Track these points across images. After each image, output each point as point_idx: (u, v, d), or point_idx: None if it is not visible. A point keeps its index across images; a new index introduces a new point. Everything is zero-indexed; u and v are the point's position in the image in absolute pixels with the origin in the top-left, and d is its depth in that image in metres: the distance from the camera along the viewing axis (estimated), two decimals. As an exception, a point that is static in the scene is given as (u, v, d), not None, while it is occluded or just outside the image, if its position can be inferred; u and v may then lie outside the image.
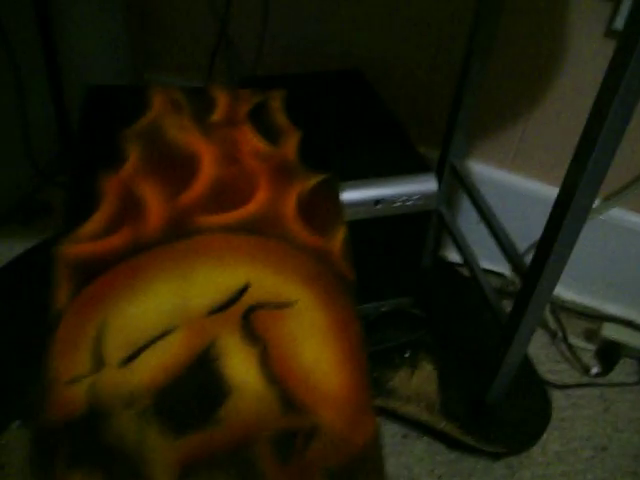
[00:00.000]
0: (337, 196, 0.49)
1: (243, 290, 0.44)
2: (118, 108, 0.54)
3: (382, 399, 0.82)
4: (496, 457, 0.86)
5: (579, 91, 0.89)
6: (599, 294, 1.01)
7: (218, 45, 0.87)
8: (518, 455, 0.85)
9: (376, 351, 0.91)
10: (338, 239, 0.47)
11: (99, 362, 0.41)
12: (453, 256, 1.06)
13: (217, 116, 0.54)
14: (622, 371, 0.96)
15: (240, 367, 0.41)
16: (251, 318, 0.43)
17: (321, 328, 0.43)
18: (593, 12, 0.82)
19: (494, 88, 0.93)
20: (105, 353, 0.41)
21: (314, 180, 0.51)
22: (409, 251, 0.86)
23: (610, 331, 0.96)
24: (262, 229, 0.47)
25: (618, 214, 0.96)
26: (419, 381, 0.87)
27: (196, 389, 0.40)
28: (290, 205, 0.49)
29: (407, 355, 0.89)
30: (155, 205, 0.47)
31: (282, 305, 0.44)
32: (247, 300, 0.44)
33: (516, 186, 0.98)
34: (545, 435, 0.90)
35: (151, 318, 0.42)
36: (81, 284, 0.43)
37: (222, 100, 0.55)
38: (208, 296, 0.43)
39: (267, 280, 0.45)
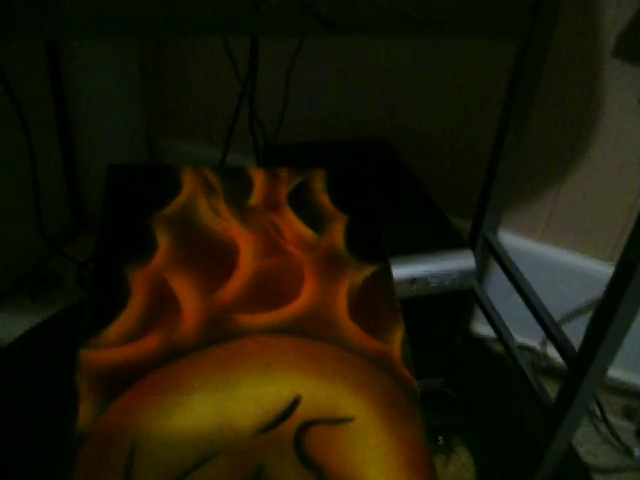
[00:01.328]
0: (392, 290, 0.44)
1: (294, 404, 0.38)
2: (145, 190, 0.49)
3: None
4: None
5: (609, 161, 0.86)
6: (638, 369, 0.93)
7: (238, 110, 0.83)
8: None
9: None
10: (397, 340, 0.41)
11: None
12: (480, 329, 1.01)
13: (255, 199, 0.49)
14: (669, 454, 0.89)
15: None
16: (304, 438, 0.37)
17: (385, 451, 0.37)
18: (626, 80, 0.79)
19: (526, 158, 0.90)
20: None
21: (366, 272, 0.45)
22: (442, 330, 0.81)
23: (650, 407, 0.90)
24: (311, 330, 0.42)
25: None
26: (455, 469, 0.81)
27: None
28: (341, 302, 0.43)
29: (440, 442, 0.82)
30: (190, 302, 0.42)
31: (339, 422, 0.38)
32: (299, 416, 0.38)
33: (547, 256, 0.94)
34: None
35: (189, 442, 0.37)
36: (109, 398, 0.38)
37: (259, 181, 0.51)
38: (254, 413, 0.38)
39: (320, 392, 0.39)
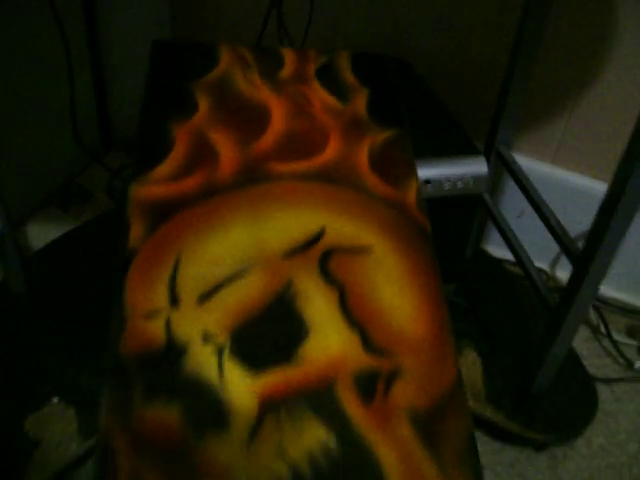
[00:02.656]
0: (409, 150, 0.49)
1: (320, 234, 0.43)
2: (186, 61, 0.54)
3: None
4: (540, 447, 0.85)
5: (621, 88, 0.88)
6: (640, 292, 0.98)
7: (266, 20, 0.87)
8: (562, 447, 0.83)
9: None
10: (412, 190, 0.46)
11: (175, 298, 0.40)
12: (494, 250, 1.05)
13: (285, 73, 0.54)
14: (667, 368, 0.94)
15: (319, 308, 0.40)
16: (328, 261, 0.42)
17: (400, 274, 0.42)
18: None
19: (539, 79, 0.93)
20: (181, 290, 0.40)
21: (385, 134, 0.50)
22: (455, 237, 0.85)
23: (654, 324, 0.94)
24: (336, 178, 0.47)
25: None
26: (464, 369, 0.86)
27: (274, 328, 0.39)
28: (362, 157, 0.48)
29: None
30: (228, 151, 0.47)
31: (359, 250, 0.43)
32: (324, 243, 0.43)
33: (559, 179, 0.97)
34: (589, 428, 0.89)
35: (227, 258, 0.42)
36: (155, 224, 0.43)
37: (289, 59, 0.55)
38: (283, 239, 0.43)
39: (343, 226, 0.44)
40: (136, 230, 0.42)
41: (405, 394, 0.36)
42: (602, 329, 1.00)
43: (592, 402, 0.88)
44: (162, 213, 0.43)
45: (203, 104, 0.50)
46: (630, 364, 0.96)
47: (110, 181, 1.11)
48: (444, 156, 0.76)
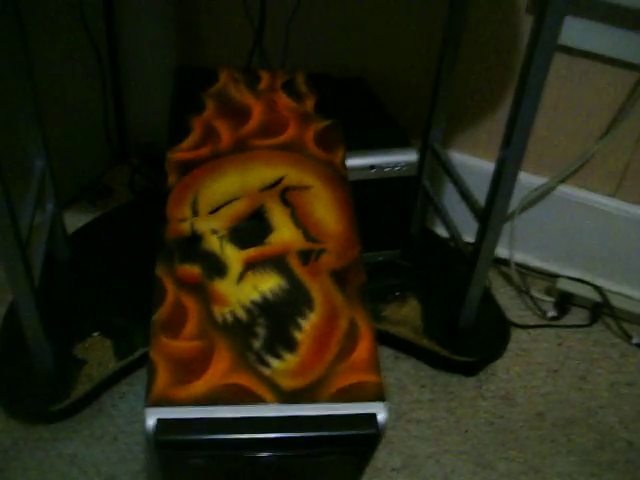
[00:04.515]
0: (339, 132, 0.78)
1: (281, 179, 0.72)
2: (198, 79, 0.83)
3: (377, 324, 1.06)
4: (467, 372, 1.10)
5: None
6: (558, 259, 1.24)
7: (252, 51, 1.16)
8: (486, 373, 1.07)
9: (373, 290, 1.17)
10: (339, 156, 0.75)
11: (195, 212, 0.69)
12: (438, 230, 1.32)
13: (262, 86, 0.84)
14: (575, 317, 1.19)
15: (279, 218, 0.69)
16: (286, 194, 0.71)
17: (328, 201, 0.70)
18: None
19: (465, 87, 1.20)
20: (199, 207, 0.69)
21: (325, 123, 0.79)
22: (399, 212, 1.13)
23: (564, 284, 1.19)
24: (292, 148, 0.76)
25: (569, 191, 1.21)
26: (406, 311, 1.12)
27: (253, 227, 0.68)
28: (309, 136, 0.77)
29: (397, 294, 1.15)
30: (225, 133, 0.76)
31: (304, 188, 0.72)
32: (283, 184, 0.72)
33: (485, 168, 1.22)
34: (509, 360, 1.14)
35: (225, 192, 0.71)
36: (182, 173, 0.72)
37: (265, 77, 0.85)
38: (259, 181, 0.72)
39: (296, 175, 0.73)
40: (171, 177, 0.71)
41: (327, 261, 0.65)
42: (524, 289, 1.26)
43: (506, 337, 1.14)
44: (186, 167, 0.72)
45: (209, 105, 0.80)
46: (544, 314, 1.22)
47: (132, 177, 1.39)
48: (385, 148, 1.04)
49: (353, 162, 0.96)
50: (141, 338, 0.97)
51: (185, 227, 0.66)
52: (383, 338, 1.09)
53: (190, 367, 0.55)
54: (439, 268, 1.17)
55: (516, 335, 1.15)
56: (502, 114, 1.16)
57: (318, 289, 0.62)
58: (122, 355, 0.96)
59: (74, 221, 1.21)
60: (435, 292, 1.11)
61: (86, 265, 1.10)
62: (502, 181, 0.86)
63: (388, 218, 1.10)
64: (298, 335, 0.58)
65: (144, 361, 1.00)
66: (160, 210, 0.67)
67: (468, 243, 0.99)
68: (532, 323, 1.17)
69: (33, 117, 0.93)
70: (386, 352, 1.11)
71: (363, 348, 0.57)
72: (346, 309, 0.60)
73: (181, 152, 0.73)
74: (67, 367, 0.92)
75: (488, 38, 1.10)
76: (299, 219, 0.67)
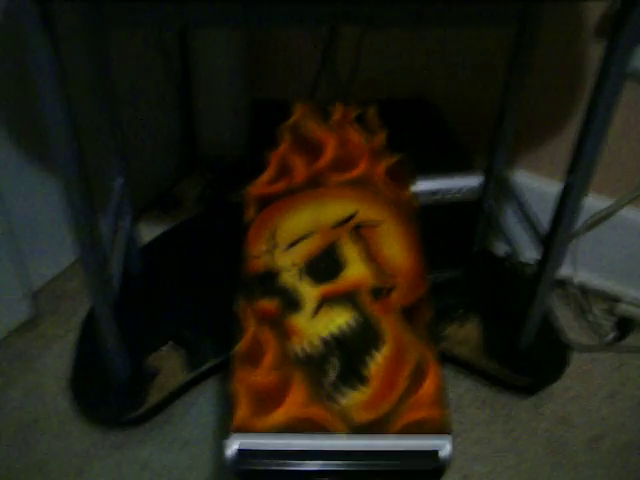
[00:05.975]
0: (409, 167, 0.81)
1: (353, 215, 0.76)
2: (274, 113, 0.87)
3: (439, 342, 1.10)
4: (526, 392, 1.11)
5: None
6: (620, 281, 1.23)
7: (320, 75, 1.20)
8: (544, 393, 1.08)
9: (435, 309, 1.19)
10: (408, 191, 0.78)
11: (273, 247, 0.73)
12: (499, 250, 1.33)
13: (335, 120, 0.87)
14: (635, 340, 1.18)
15: (351, 254, 0.72)
16: (357, 230, 0.75)
17: (397, 237, 0.74)
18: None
19: (533, 107, 1.21)
20: (276, 243, 0.73)
21: (395, 158, 0.82)
22: (462, 233, 1.15)
23: (625, 308, 1.20)
24: (364, 183, 0.79)
25: (634, 213, 1.20)
26: (467, 331, 1.13)
27: (327, 262, 0.72)
28: (380, 171, 0.81)
29: (459, 313, 1.17)
30: (300, 168, 0.80)
31: (375, 224, 0.75)
32: (355, 220, 0.76)
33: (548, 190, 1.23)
34: (568, 381, 1.15)
35: (301, 227, 0.75)
36: (260, 207, 0.76)
37: (337, 110, 0.88)
38: (333, 217, 0.75)
39: (366, 211, 0.76)
40: (250, 211, 0.75)
41: (397, 298, 0.68)
42: (586, 310, 1.27)
43: (565, 360, 1.15)
44: (264, 202, 0.77)
45: (285, 139, 0.84)
46: (604, 336, 1.22)
47: (202, 191, 1.45)
48: (448, 172, 1.07)
49: (416, 187, 0.98)
50: (211, 350, 1.01)
51: (263, 263, 0.71)
52: (444, 357, 1.11)
53: (269, 398, 0.59)
54: (500, 288, 1.18)
55: (575, 357, 1.15)
56: (567, 135, 1.18)
57: (388, 325, 0.65)
58: (193, 366, 1.01)
59: (144, 232, 1.24)
60: (496, 312, 1.12)
61: (158, 277, 1.14)
62: (567, 207, 0.87)
63: (450, 238, 1.12)
64: (369, 370, 0.62)
65: (213, 372, 1.05)
66: (239, 245, 0.71)
67: (530, 264, 1.00)
68: (592, 344, 1.16)
69: (115, 140, 0.99)
70: (446, 370, 1.13)
71: (430, 384, 0.60)
72: (415, 345, 0.63)
73: (258, 187, 0.77)
74: (141, 376, 0.96)
75: (556, 59, 1.11)
76: (370, 255, 0.71)
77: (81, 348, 1.05)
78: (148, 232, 1.26)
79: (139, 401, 0.95)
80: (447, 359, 1.11)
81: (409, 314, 0.66)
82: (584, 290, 1.27)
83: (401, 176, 0.79)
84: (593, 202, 1.19)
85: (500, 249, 1.27)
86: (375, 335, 0.64)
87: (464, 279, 1.18)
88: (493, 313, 1.13)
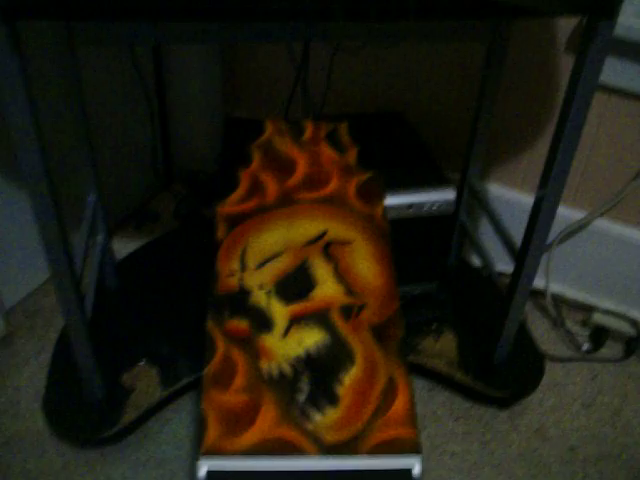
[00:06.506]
0: (380, 184, 0.81)
1: (323, 234, 0.76)
2: (245, 131, 0.87)
3: (413, 357, 1.07)
4: (501, 404, 1.11)
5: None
6: (594, 291, 1.23)
7: (294, 91, 1.20)
8: (519, 406, 1.08)
9: (409, 323, 1.19)
10: (379, 209, 0.78)
11: (244, 266, 0.73)
12: (474, 262, 1.34)
13: (306, 137, 0.87)
14: (609, 351, 1.18)
15: (322, 273, 0.72)
16: (328, 248, 0.75)
17: (368, 255, 0.74)
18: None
19: (505, 121, 1.22)
20: (246, 262, 0.73)
21: (366, 175, 0.83)
22: (436, 247, 1.15)
23: (599, 318, 1.20)
24: (335, 202, 0.80)
25: (607, 224, 1.22)
26: (442, 345, 1.13)
27: (297, 282, 0.72)
28: (351, 189, 0.81)
29: (433, 327, 1.17)
30: (271, 186, 0.80)
31: (346, 242, 0.75)
32: (326, 239, 0.76)
33: (522, 203, 1.25)
34: (542, 393, 1.14)
35: (271, 246, 0.75)
36: (231, 226, 0.76)
37: (309, 127, 0.88)
38: (303, 236, 0.75)
39: (338, 229, 0.77)
40: (221, 231, 0.75)
41: (367, 317, 0.68)
42: (559, 321, 1.27)
43: (540, 372, 1.15)
44: (234, 221, 0.76)
45: (257, 158, 0.84)
46: (579, 347, 1.23)
47: (177, 206, 1.44)
48: (422, 186, 1.07)
49: (391, 201, 0.98)
50: (186, 367, 1.01)
51: (234, 282, 0.70)
52: (418, 370, 1.11)
53: (239, 420, 0.59)
54: (475, 301, 1.18)
55: (550, 368, 1.16)
56: (540, 148, 1.19)
57: (359, 344, 0.65)
58: (167, 384, 0.99)
59: (121, 247, 1.25)
60: (471, 325, 1.12)
61: (133, 293, 1.12)
62: (538, 221, 0.87)
63: (424, 252, 1.12)
64: (340, 390, 0.62)
65: (188, 389, 1.04)
66: (209, 263, 0.71)
67: (504, 276, 1.00)
68: (566, 356, 1.16)
69: (86, 156, 0.98)
70: (421, 384, 1.12)
71: (400, 403, 0.60)
72: (385, 365, 0.63)
73: (230, 206, 0.77)
74: (116, 394, 0.95)
75: (528, 73, 1.12)
76: (341, 274, 0.71)
77: (55, 366, 1.03)
78: (124, 247, 1.26)
79: (113, 419, 0.95)
80: (422, 373, 1.10)
81: (379, 333, 0.66)
82: (559, 301, 1.28)
83: (372, 193, 0.79)
84: (566, 213, 1.20)
85: (476, 261, 1.28)
86: (345, 355, 0.64)
87: (439, 292, 1.18)
88: (468, 326, 1.13)
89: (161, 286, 1.13)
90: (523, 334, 1.12)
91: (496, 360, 1.03)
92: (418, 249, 1.07)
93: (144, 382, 0.97)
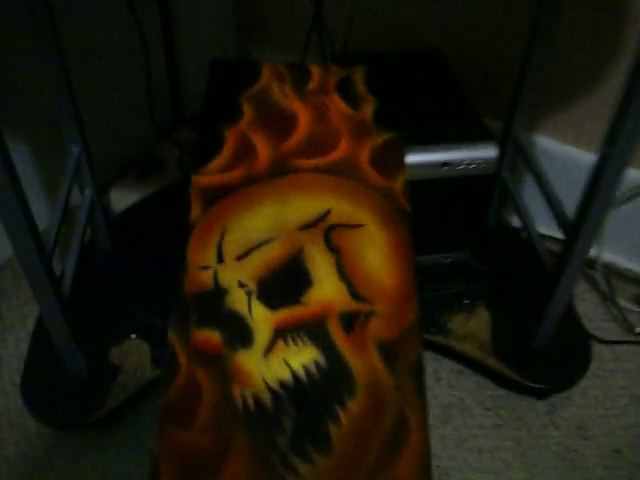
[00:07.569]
0: (401, 149, 0.64)
1: (326, 214, 0.59)
2: (236, 77, 0.70)
3: (441, 337, 0.95)
4: (539, 396, 0.97)
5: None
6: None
7: (313, 25, 1.02)
8: (560, 396, 0.95)
9: (438, 296, 1.04)
10: (400, 182, 0.61)
11: (221, 257, 0.57)
12: (516, 222, 1.18)
13: (311, 86, 0.70)
14: (667, 335, 1.04)
15: (320, 267, 0.57)
16: (331, 234, 0.59)
17: (382, 244, 0.58)
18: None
19: (560, 66, 1.04)
20: (225, 251, 0.58)
21: (384, 137, 0.65)
22: (472, 210, 0.99)
23: (657, 295, 1.04)
24: (342, 171, 0.63)
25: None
26: (474, 324, 1.00)
27: (288, 279, 0.56)
28: (364, 155, 0.64)
29: (466, 302, 1.02)
30: (263, 150, 0.63)
31: (354, 226, 0.59)
32: (329, 221, 0.59)
33: (576, 159, 1.08)
34: (587, 382, 1.01)
35: (258, 229, 0.59)
36: (209, 203, 0.60)
37: (316, 73, 0.71)
38: (300, 217, 0.59)
39: (344, 208, 0.60)
40: (195, 209, 0.59)
41: (375, 329, 0.53)
42: (610, 296, 1.11)
43: (587, 359, 1.00)
44: (213, 197, 0.60)
45: (247, 112, 0.67)
46: (632, 329, 1.07)
47: (181, 156, 1.30)
48: (460, 141, 0.90)
49: (421, 158, 0.82)
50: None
51: (207, 278, 0.55)
52: (446, 352, 0.97)
53: (201, 467, 0.45)
54: (516, 272, 1.03)
55: (597, 351, 1.02)
56: (605, 95, 1.03)
57: (362, 367, 0.50)
58: (160, 362, 0.88)
59: (121, 199, 1.15)
60: (509, 302, 0.98)
61: (128, 255, 1.03)
62: (601, 185, 0.71)
63: (459, 216, 0.96)
64: (333, 430, 0.47)
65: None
66: (179, 251, 0.56)
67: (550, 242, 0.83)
68: (616, 338, 1.04)
69: (67, 103, 0.84)
70: (448, 366, 0.99)
71: (411, 452, 0.46)
72: (395, 396, 0.48)
73: (209, 175, 0.61)
74: (101, 375, 0.87)
75: (591, 6, 0.95)
76: (345, 270, 0.55)
77: (36, 340, 0.94)
78: (124, 199, 1.16)
79: (98, 403, 0.86)
80: (449, 355, 0.99)
81: (390, 352, 0.51)
82: (610, 272, 1.13)
83: (390, 162, 0.62)
84: (630, 172, 1.03)
85: (515, 225, 1.11)
86: (343, 382, 0.49)
87: (473, 263, 1.02)
88: (505, 304, 0.99)
89: (159, 247, 1.00)
90: (568, 313, 0.96)
91: (535, 345, 0.89)
92: (450, 212, 0.92)
93: (134, 360, 0.89)
